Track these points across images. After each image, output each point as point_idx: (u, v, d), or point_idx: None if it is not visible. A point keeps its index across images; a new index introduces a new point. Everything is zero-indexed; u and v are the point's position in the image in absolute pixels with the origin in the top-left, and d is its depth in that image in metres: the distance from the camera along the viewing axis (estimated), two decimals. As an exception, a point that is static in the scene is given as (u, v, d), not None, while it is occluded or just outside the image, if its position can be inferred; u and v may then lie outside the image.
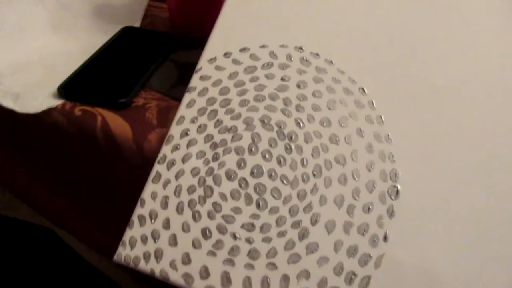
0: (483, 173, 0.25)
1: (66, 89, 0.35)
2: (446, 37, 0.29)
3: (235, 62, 0.31)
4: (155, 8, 0.49)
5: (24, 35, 0.42)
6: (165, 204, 0.28)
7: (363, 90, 0.28)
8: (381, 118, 0.27)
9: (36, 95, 0.37)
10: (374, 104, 0.27)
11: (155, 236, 0.27)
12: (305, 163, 0.27)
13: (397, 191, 0.25)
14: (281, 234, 0.26)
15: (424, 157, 0.26)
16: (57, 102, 0.35)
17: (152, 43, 0.41)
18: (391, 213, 0.25)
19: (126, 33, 0.43)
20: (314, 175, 0.26)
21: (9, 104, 0.36)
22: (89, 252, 0.45)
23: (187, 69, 0.39)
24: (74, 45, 0.43)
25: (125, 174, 0.33)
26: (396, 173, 0.26)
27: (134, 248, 0.27)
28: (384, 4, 0.30)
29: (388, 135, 0.26)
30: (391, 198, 0.25)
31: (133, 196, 0.29)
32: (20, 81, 0.38)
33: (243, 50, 0.31)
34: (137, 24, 0.47)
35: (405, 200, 0.25)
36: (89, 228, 0.38)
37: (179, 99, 0.35)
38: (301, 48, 0.30)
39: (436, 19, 0.29)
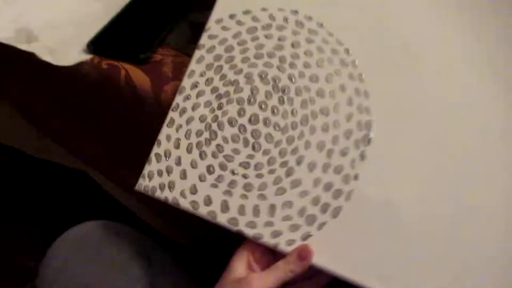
0: (444, 131, 0.29)
1: (95, 45, 0.40)
2: (432, 10, 0.32)
3: (239, 23, 0.35)
4: None
5: (56, -6, 0.47)
6: (177, 145, 0.33)
7: (348, 50, 0.32)
8: (362, 76, 0.31)
9: (69, 50, 0.42)
10: (357, 63, 0.31)
11: (169, 170, 0.33)
12: (294, 113, 0.32)
13: (369, 139, 0.30)
14: (271, 171, 0.31)
15: (396, 112, 0.30)
16: (87, 56, 0.40)
17: (169, 2, 0.45)
18: (362, 157, 0.29)
19: None
20: (301, 123, 0.31)
21: (46, 57, 0.42)
22: (116, 189, 0.52)
23: (201, 29, 0.43)
24: (100, 3, 0.47)
25: (145, 119, 0.38)
26: (370, 124, 0.30)
27: (152, 180, 0.33)
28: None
29: (366, 91, 0.31)
30: (364, 144, 0.30)
31: (152, 138, 0.34)
32: (55, 37, 0.43)
33: (246, 12, 0.35)
34: None
35: (375, 147, 0.29)
36: (115, 167, 0.44)
37: (192, 56, 0.40)
38: (296, 11, 0.34)
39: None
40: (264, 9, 0.35)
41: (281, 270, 0.28)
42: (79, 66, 0.39)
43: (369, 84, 0.31)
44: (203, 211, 0.31)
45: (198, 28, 0.43)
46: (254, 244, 0.30)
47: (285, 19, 0.34)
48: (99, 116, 0.43)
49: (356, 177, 0.29)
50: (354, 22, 0.32)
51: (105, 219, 0.39)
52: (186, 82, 0.34)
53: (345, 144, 0.30)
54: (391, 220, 0.28)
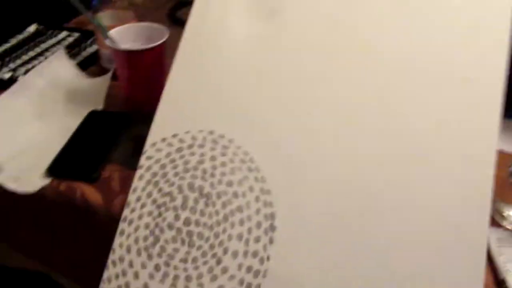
0: (338, 214, 0.39)
1: (53, 171, 0.49)
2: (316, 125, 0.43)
3: (169, 145, 0.44)
4: (114, 87, 0.61)
5: (17, 128, 0.55)
6: (129, 250, 0.41)
7: (252, 159, 0.42)
8: (264, 178, 0.41)
9: (30, 177, 0.50)
10: (260, 168, 0.41)
11: (124, 273, 0.40)
12: (217, 213, 0.41)
13: (274, 227, 0.39)
14: (205, 263, 0.39)
15: (294, 204, 0.40)
16: (47, 181, 0.48)
17: (112, 123, 0.55)
18: (271, 241, 0.39)
19: (92, 116, 0.56)
20: (224, 221, 0.40)
21: (11, 185, 0.49)
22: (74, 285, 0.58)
23: (141, 142, 0.52)
24: (54, 129, 0.56)
25: (99, 230, 0.46)
26: (274, 215, 0.39)
27: (111, 283, 0.40)
28: (273, 99, 0.44)
29: (268, 190, 0.40)
30: (271, 231, 0.39)
31: (106, 245, 0.42)
32: (18, 166, 0.51)
33: (174, 135, 0.45)
34: (101, 104, 0.60)
35: (280, 232, 0.39)
36: (78, 272, 0.51)
37: (135, 169, 0.48)
38: (212, 132, 0.44)
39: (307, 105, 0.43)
40: (187, 132, 0.44)
41: None
42: (40, 189, 0.47)
43: (271, 184, 0.40)
44: (155, 304, 0.39)
45: (139, 142, 0.53)
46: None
47: (204, 139, 0.44)
48: (60, 230, 0.50)
49: (268, 258, 0.38)
50: (256, 136, 0.43)
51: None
52: (131, 197, 0.43)
53: (257, 232, 0.39)
54: (298, 289, 0.37)
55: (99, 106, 0.59)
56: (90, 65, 0.70)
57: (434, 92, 0.41)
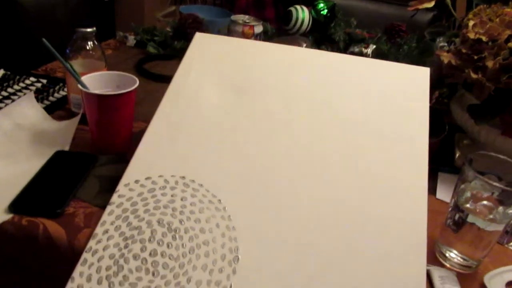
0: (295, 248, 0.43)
1: (15, 206, 0.49)
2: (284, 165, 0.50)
3: (142, 186, 0.48)
4: (81, 130, 0.64)
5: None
6: (89, 279, 0.41)
7: (220, 201, 0.47)
8: (230, 217, 0.45)
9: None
10: (226, 209, 0.46)
11: (80, 301, 0.40)
12: (184, 246, 0.43)
13: (238, 258, 0.42)
14: (168, 291, 0.40)
15: (256, 239, 0.44)
16: (8, 216, 0.48)
17: (78, 163, 0.56)
18: (234, 271, 0.41)
19: (58, 156, 0.57)
20: (190, 252, 0.43)
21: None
22: None
23: (106, 182, 0.54)
24: (19, 168, 0.56)
25: (61, 265, 0.45)
26: (237, 248, 0.43)
27: (64, 311, 0.39)
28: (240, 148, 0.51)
29: (233, 227, 0.45)
30: (234, 262, 0.42)
31: (66, 278, 0.41)
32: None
33: (147, 178, 0.49)
34: (67, 146, 0.61)
35: (243, 264, 0.42)
36: None
37: (100, 206, 0.50)
38: (183, 177, 0.49)
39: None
40: (160, 176, 0.49)
41: None
42: (1, 224, 0.47)
43: (236, 222, 0.45)
44: (110, 332, 0.38)
45: (104, 181, 0.55)
46: None
47: (176, 182, 0.48)
48: (19, 266, 0.48)
49: (231, 286, 0.40)
50: (224, 182, 0.48)
51: None
52: (99, 229, 0.45)
53: (221, 264, 0.42)
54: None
55: (66, 147, 0.60)
56: (57, 109, 0.71)
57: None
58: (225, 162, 0.50)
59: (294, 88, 0.58)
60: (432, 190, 0.61)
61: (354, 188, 0.48)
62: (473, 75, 0.58)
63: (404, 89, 0.56)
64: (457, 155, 0.68)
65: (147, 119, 0.55)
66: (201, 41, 0.62)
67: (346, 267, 0.42)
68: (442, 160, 0.67)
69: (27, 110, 0.67)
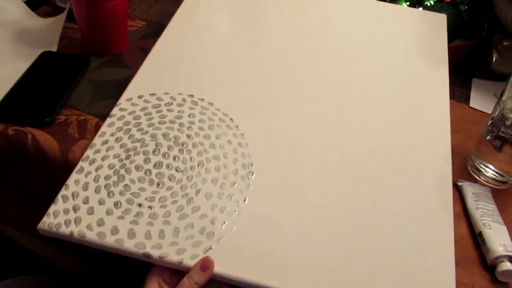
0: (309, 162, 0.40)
1: (-2, 114, 0.43)
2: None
3: (146, 101, 0.44)
4: (70, 29, 0.57)
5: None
6: (86, 187, 0.37)
7: (231, 119, 0.43)
8: (243, 135, 0.42)
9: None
10: (239, 127, 0.42)
11: (75, 208, 0.35)
12: (192, 159, 0.39)
13: (252, 173, 0.39)
14: (174, 202, 0.36)
15: (268, 156, 0.40)
16: (-8, 125, 0.43)
17: (68, 65, 0.50)
18: (248, 186, 0.38)
19: (45, 57, 0.51)
20: (198, 165, 0.39)
21: None
22: (28, 238, 0.47)
23: (100, 87, 0.48)
24: (1, 71, 0.49)
25: (54, 179, 0.40)
26: (251, 164, 0.39)
27: (57, 218, 0.35)
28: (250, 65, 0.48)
29: (246, 144, 0.41)
30: (248, 178, 0.38)
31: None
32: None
33: (152, 94, 0.45)
34: (54, 46, 0.54)
35: (256, 178, 0.38)
36: (30, 223, 0.42)
37: (94, 114, 0.45)
38: (192, 95, 0.45)
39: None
40: (166, 93, 0.45)
41: (187, 285, 0.32)
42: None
43: (248, 139, 0.41)
44: (109, 240, 0.34)
45: (98, 86, 0.50)
46: (162, 268, 0.33)
47: (183, 100, 0.45)
48: (8, 179, 0.43)
49: (244, 200, 0.37)
50: (236, 102, 0.45)
51: (25, 273, 0.37)
52: (97, 140, 0.40)
53: (234, 179, 0.38)
54: (274, 228, 0.35)
55: (53, 48, 0.54)
56: (41, 5, 0.63)
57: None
58: (236, 86, 0.46)
59: (310, 24, 0.55)
60: (465, 97, 0.56)
61: (376, 122, 0.45)
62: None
63: (422, 34, 0.55)
64: (494, 58, 0.61)
65: (145, 18, 0.49)
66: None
67: (363, 190, 0.39)
68: (477, 65, 0.60)
69: (6, 4, 0.58)
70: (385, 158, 0.41)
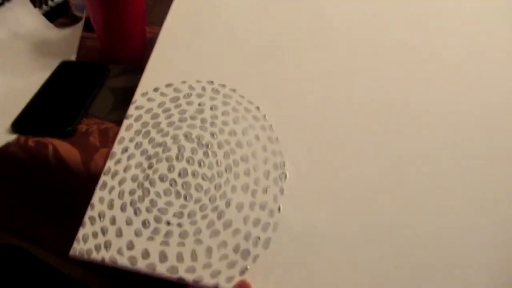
0: (346, 159, 0.35)
1: (18, 125, 0.42)
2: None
3: (162, 94, 0.40)
4: (88, 39, 0.56)
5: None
6: (111, 206, 0.35)
7: (258, 108, 0.38)
8: (271, 126, 0.37)
9: (-9, 134, 0.43)
10: (266, 117, 0.37)
11: (104, 231, 0.34)
12: (219, 163, 0.36)
13: (285, 176, 0.35)
14: (204, 217, 0.34)
15: (303, 151, 0.36)
16: (12, 137, 0.41)
17: (87, 74, 0.48)
18: (282, 191, 0.34)
19: (64, 67, 0.49)
20: (226, 171, 0.35)
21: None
22: (56, 259, 0.49)
23: (120, 94, 0.46)
24: (19, 82, 0.48)
25: (77, 190, 0.39)
26: (284, 164, 0.35)
27: (87, 242, 0.33)
28: (273, 50, 0.41)
29: (277, 138, 0.36)
30: (281, 181, 0.34)
31: (85, 207, 0.35)
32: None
33: (168, 85, 0.40)
34: (73, 56, 0.53)
35: (291, 181, 0.34)
36: (56, 240, 0.43)
37: (115, 121, 0.43)
38: (211, 82, 0.40)
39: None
40: (183, 82, 0.40)
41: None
42: (5, 147, 0.40)
43: (279, 132, 0.37)
44: (141, 264, 0.32)
45: (118, 94, 0.47)
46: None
47: (203, 88, 0.40)
48: (29, 192, 0.43)
49: (279, 209, 0.33)
50: (260, 86, 0.39)
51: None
52: (117, 148, 0.37)
53: (265, 183, 0.35)
54: (315, 241, 0.32)
55: (72, 58, 0.53)
56: (59, 16, 0.62)
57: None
58: (259, 68, 0.40)
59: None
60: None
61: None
62: None
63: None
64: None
65: (161, 22, 0.45)
66: None
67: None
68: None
69: (23, 16, 0.57)
70: (460, 163, 0.35)
